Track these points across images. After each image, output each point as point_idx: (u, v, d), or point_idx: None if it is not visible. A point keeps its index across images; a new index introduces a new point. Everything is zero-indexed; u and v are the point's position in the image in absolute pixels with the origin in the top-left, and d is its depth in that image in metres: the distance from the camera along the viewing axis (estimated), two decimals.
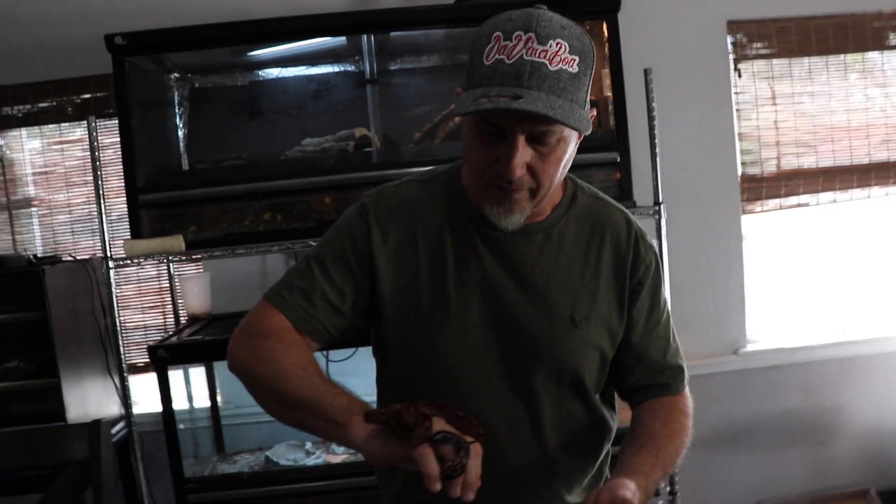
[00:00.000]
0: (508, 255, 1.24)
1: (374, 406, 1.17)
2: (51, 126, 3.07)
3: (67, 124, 3.06)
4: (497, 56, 1.06)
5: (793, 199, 3.20)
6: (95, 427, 1.62)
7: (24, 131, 3.07)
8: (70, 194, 3.10)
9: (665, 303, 1.34)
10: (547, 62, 1.05)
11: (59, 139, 3.09)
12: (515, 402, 1.26)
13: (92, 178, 2.28)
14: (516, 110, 1.03)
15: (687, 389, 1.34)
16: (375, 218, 1.26)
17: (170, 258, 2.31)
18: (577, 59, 1.07)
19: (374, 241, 1.25)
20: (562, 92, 1.06)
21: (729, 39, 3.12)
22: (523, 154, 1.09)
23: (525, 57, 1.05)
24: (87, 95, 3.02)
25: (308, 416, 1.13)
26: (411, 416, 1.01)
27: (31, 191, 3.10)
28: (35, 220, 3.12)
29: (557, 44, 1.06)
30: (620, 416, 1.41)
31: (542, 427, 1.27)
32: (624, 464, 1.16)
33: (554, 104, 1.04)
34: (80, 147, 3.08)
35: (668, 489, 2.53)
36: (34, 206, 3.11)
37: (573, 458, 1.31)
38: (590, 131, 1.10)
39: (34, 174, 3.11)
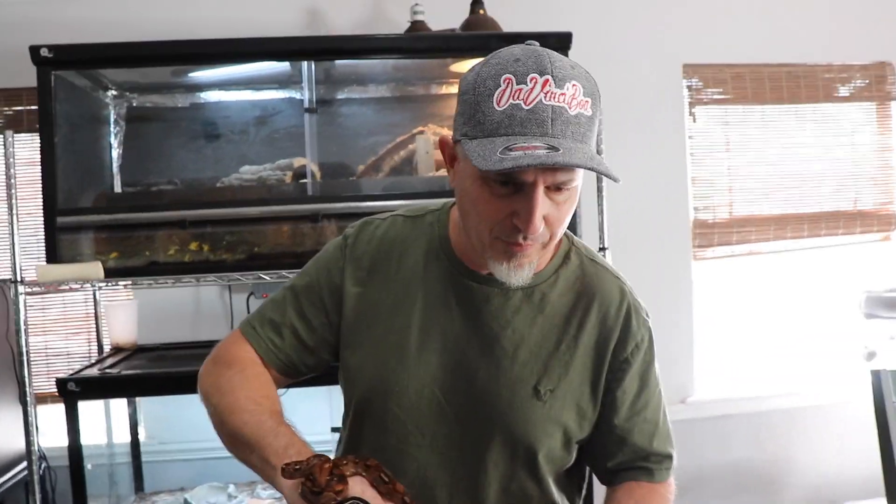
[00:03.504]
0: (480, 311, 1.14)
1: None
2: None
3: None
4: (511, 101, 0.97)
5: (745, 247, 3.17)
6: None
7: None
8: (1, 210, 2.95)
9: (657, 383, 1.21)
10: (566, 106, 0.97)
11: None
12: (461, 468, 1.15)
13: (6, 196, 2.14)
14: (564, 164, 0.94)
15: (672, 479, 1.22)
16: (352, 252, 1.21)
17: (95, 284, 2.17)
18: (590, 101, 1.00)
19: (346, 275, 1.19)
20: (584, 137, 0.99)
21: (685, 83, 3.09)
22: (544, 206, 1.00)
23: (544, 102, 0.96)
24: (20, 108, 2.90)
25: (248, 453, 1.07)
26: (324, 475, 0.93)
27: None
28: None
29: (573, 86, 0.98)
30: None
31: (486, 500, 1.16)
32: None
33: (586, 153, 0.97)
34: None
35: None
36: None
37: None
38: (620, 181, 1.00)
39: None
